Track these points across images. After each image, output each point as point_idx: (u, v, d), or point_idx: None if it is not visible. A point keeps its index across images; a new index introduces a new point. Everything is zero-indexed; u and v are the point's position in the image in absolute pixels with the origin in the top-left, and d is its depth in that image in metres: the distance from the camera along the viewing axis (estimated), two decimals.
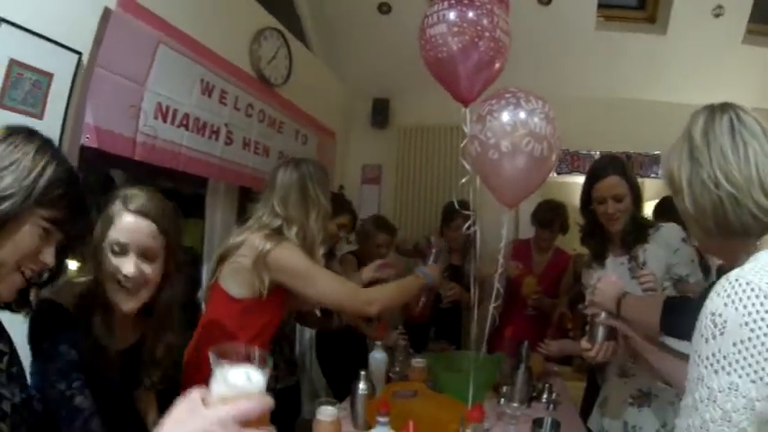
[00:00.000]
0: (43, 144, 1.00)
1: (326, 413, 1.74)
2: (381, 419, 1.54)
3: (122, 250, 1.33)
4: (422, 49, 1.94)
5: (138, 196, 1.37)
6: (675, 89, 4.12)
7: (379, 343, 2.40)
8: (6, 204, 0.91)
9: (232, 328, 1.83)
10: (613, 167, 2.08)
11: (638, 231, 2.05)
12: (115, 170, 2.96)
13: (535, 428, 1.76)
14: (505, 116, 1.78)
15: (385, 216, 3.68)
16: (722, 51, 4.07)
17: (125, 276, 1.31)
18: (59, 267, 1.07)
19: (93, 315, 1.30)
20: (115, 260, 1.32)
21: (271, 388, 2.18)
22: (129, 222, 1.34)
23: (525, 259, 3.36)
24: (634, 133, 4.32)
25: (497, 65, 1.93)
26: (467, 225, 2.08)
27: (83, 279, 1.33)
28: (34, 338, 1.23)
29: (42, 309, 1.24)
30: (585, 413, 2.26)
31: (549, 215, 3.32)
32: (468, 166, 1.90)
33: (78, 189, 1.03)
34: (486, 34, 1.75)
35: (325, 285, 1.88)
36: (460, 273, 3.27)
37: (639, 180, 2.23)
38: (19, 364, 1.07)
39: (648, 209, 5.97)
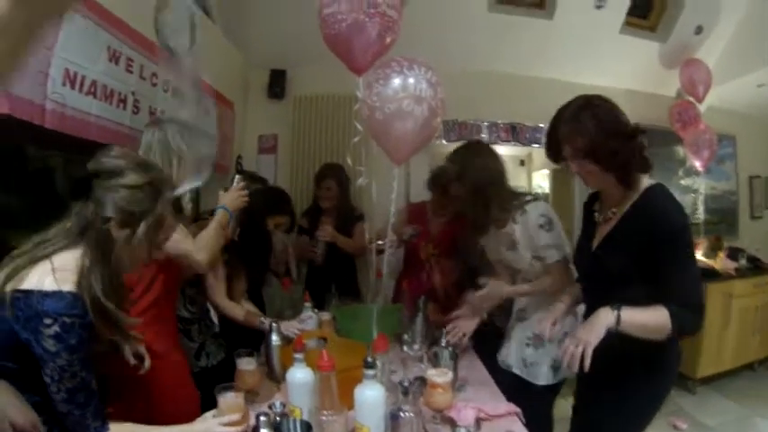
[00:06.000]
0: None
1: (246, 363, 1.88)
2: (297, 356, 1.65)
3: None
4: (320, 27, 2.16)
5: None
6: (560, 69, 4.64)
7: (307, 304, 2.60)
8: None
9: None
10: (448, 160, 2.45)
11: (503, 213, 2.36)
12: None
13: (435, 360, 2.05)
14: (390, 82, 2.06)
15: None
16: (602, 39, 4.60)
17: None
18: None
19: (115, 300, 1.36)
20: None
21: (202, 367, 2.33)
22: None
23: (422, 221, 3.56)
24: (521, 106, 4.78)
25: (389, 39, 2.17)
26: (360, 181, 2.29)
27: (75, 264, 1.33)
28: (60, 333, 1.23)
29: (63, 301, 1.25)
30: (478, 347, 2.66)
31: (443, 180, 3.57)
32: (360, 127, 2.17)
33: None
34: (373, 11, 1.99)
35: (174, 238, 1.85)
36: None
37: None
38: None
39: (537, 178, 6.54)
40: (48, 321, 1.22)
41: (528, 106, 4.72)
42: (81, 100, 2.38)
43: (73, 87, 2.32)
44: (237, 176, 2.32)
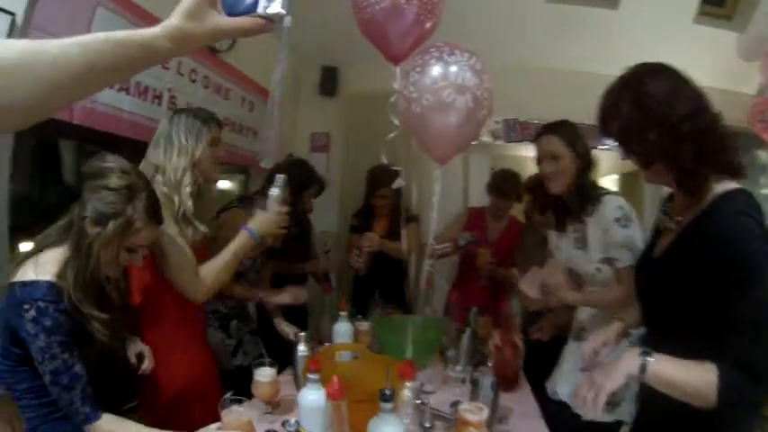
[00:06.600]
0: None
1: (264, 374, 1.79)
2: (312, 377, 1.52)
3: (138, 250, 1.59)
4: (354, 11, 2.00)
5: (155, 203, 1.58)
6: (626, 65, 4.20)
7: (343, 313, 2.41)
8: None
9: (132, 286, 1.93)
10: (552, 128, 2.15)
11: (585, 199, 2.08)
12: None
13: (474, 388, 1.81)
14: (428, 70, 1.85)
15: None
16: (673, 30, 4.18)
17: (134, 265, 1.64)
18: None
19: (85, 293, 1.46)
20: (128, 255, 1.57)
21: (237, 365, 2.29)
22: (152, 231, 1.59)
23: (480, 227, 3.40)
24: (585, 105, 4.30)
25: (429, 24, 1.98)
26: (396, 183, 2.10)
27: (57, 259, 1.46)
28: (36, 316, 1.36)
29: (40, 289, 1.38)
30: (529, 373, 2.35)
31: (507, 184, 3.35)
32: (396, 122, 1.97)
33: None
34: None
35: (172, 260, 1.83)
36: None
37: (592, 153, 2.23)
38: None
39: (606, 184, 6.19)
40: (26, 306, 1.35)
41: (593, 105, 4.29)
42: (113, 96, 2.36)
43: None
44: (280, 177, 2.08)
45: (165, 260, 1.83)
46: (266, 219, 2.01)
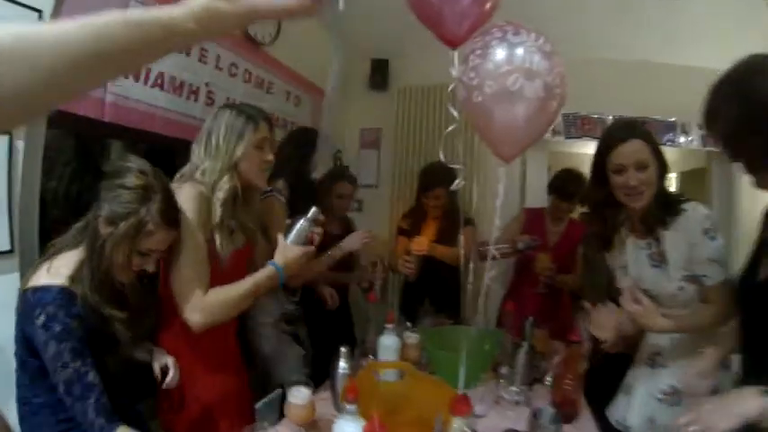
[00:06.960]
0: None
1: (299, 395, 1.64)
2: (349, 407, 1.38)
3: (150, 254, 1.51)
4: None
5: (171, 206, 1.50)
6: (692, 53, 3.81)
7: (390, 326, 2.21)
8: None
9: None
10: (635, 131, 1.78)
11: (665, 210, 1.75)
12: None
13: (533, 420, 1.61)
14: (490, 53, 1.56)
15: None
16: (743, 14, 3.73)
17: (144, 271, 1.53)
18: None
19: (101, 294, 1.44)
20: (140, 259, 1.49)
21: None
22: (165, 235, 1.50)
23: (539, 230, 3.16)
24: (648, 98, 4.00)
25: (488, 4, 1.72)
26: (457, 182, 1.80)
27: (72, 261, 1.43)
28: (46, 322, 1.33)
29: (50, 293, 1.36)
30: (589, 396, 2.06)
31: (572, 186, 3.06)
32: (455, 113, 1.71)
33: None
34: None
35: (182, 269, 1.62)
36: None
37: None
38: None
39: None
40: (37, 312, 1.33)
41: (656, 98, 3.95)
42: (146, 92, 2.25)
43: (137, 80, 2.20)
44: (315, 210, 1.86)
45: (175, 267, 1.62)
46: (292, 258, 1.78)
